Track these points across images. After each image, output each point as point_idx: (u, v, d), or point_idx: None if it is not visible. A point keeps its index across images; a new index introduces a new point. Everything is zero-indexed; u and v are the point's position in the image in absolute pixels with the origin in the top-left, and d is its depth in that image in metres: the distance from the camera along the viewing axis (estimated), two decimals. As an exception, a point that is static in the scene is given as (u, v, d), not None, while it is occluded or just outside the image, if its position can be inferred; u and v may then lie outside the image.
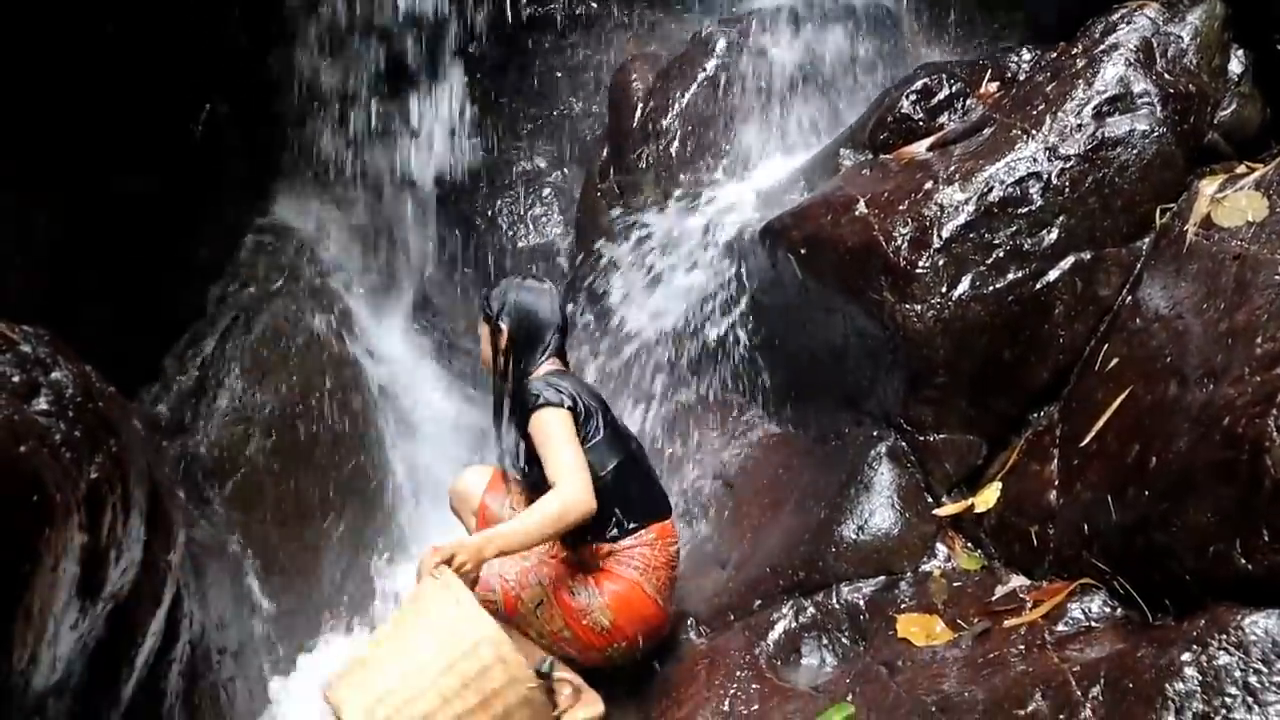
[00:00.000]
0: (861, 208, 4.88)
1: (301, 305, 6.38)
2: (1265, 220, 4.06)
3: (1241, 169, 4.53)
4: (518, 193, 7.65)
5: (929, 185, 4.74)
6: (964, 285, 4.53)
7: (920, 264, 4.58)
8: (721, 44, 6.73)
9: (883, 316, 4.67)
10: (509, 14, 7.62)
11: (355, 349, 6.63)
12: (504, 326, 4.69)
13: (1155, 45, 4.81)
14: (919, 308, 4.56)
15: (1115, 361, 4.31)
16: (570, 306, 6.34)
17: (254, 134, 6.67)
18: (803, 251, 5.09)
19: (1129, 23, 4.92)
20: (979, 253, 4.56)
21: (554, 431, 4.27)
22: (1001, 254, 4.54)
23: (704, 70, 6.66)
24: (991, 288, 4.52)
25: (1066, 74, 4.86)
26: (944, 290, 4.53)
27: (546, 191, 7.65)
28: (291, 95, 6.95)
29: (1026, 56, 5.54)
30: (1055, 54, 5.15)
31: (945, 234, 4.59)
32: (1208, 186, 4.44)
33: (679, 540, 4.65)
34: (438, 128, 7.29)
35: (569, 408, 4.34)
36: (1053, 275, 4.52)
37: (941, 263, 4.56)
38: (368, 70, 7.08)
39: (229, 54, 6.36)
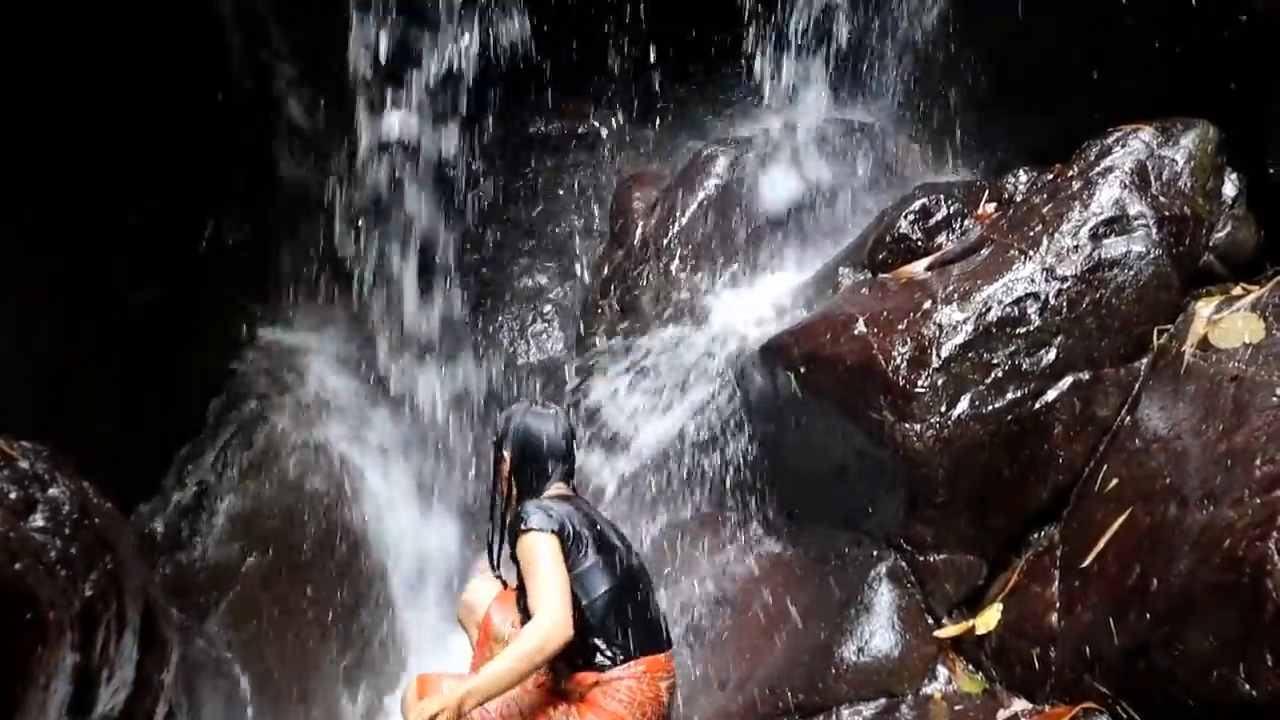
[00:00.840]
0: (861, 326, 4.90)
1: (300, 421, 6.38)
2: (1262, 342, 4.09)
3: (1238, 290, 4.57)
4: (519, 309, 7.67)
5: (928, 305, 4.77)
6: (963, 405, 4.54)
7: (919, 383, 4.59)
8: (722, 164, 6.81)
9: (882, 435, 4.67)
10: (512, 133, 7.72)
11: (354, 466, 6.59)
12: (507, 454, 4.65)
13: (1150, 168, 4.88)
14: (918, 427, 4.56)
15: (1115, 482, 4.30)
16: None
17: (257, 250, 6.72)
18: (802, 370, 5.10)
19: (1124, 146, 4.99)
20: (978, 372, 4.57)
21: (537, 557, 4.18)
22: (1000, 374, 4.56)
23: (704, 190, 6.74)
24: (990, 407, 4.53)
25: (1063, 195, 4.92)
26: (943, 409, 4.54)
27: (548, 308, 7.67)
28: (295, 213, 7.01)
29: (1023, 178, 5.61)
30: (1051, 176, 5.21)
31: (944, 353, 4.60)
32: (1204, 308, 4.47)
33: (674, 676, 4.43)
34: (439, 244, 7.33)
35: (554, 531, 4.22)
36: (1051, 395, 4.53)
37: (940, 382, 4.57)
38: (370, 189, 7.13)
39: (235, 171, 6.42)
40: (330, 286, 7.12)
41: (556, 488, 4.58)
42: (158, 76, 5.51)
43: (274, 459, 6.05)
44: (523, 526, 4.22)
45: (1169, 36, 5.10)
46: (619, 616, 4.25)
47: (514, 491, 4.63)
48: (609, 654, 4.20)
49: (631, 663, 4.21)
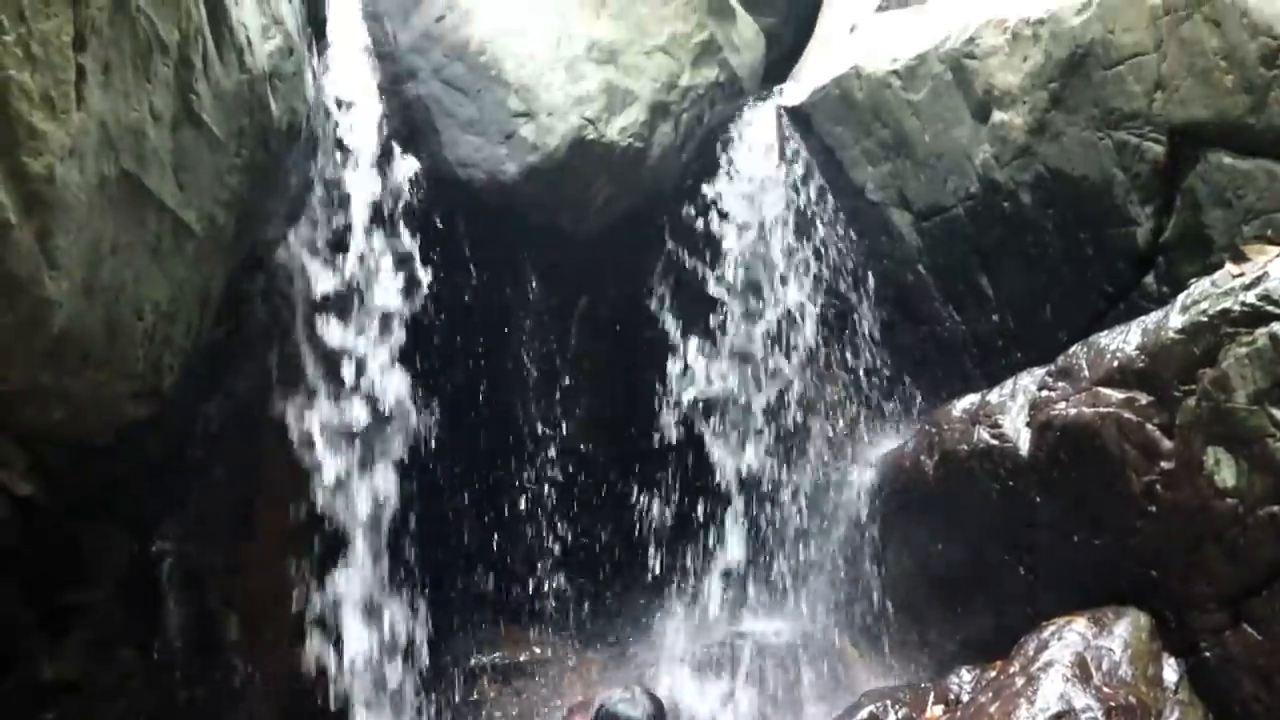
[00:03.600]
0: None
1: None
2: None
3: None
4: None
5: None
6: None
7: None
8: (665, 685, 6.79)
9: None
10: (455, 663, 7.69)
11: None
12: None
13: (1089, 659, 4.91)
14: None
15: None
16: None
17: None
18: None
19: (1060, 639, 5.05)
20: None
21: None
22: None
23: (651, 714, 6.64)
24: None
25: (1008, 693, 4.91)
26: None
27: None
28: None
29: (966, 676, 5.62)
30: (994, 673, 5.22)
31: None
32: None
33: None
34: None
35: None
36: None
37: None
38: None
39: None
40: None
41: None
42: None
43: None
44: None
45: (1087, 532, 5.29)
46: None
47: None
48: None
49: None
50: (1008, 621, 5.55)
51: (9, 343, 3.79)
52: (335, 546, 6.86)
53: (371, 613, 6.99)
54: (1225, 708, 4.86)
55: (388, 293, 7.08)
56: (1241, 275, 4.88)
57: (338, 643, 6.82)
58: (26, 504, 5.04)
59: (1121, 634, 5.00)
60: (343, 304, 6.91)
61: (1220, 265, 5.15)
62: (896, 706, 5.58)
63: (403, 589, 7.23)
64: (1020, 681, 4.93)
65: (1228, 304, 4.80)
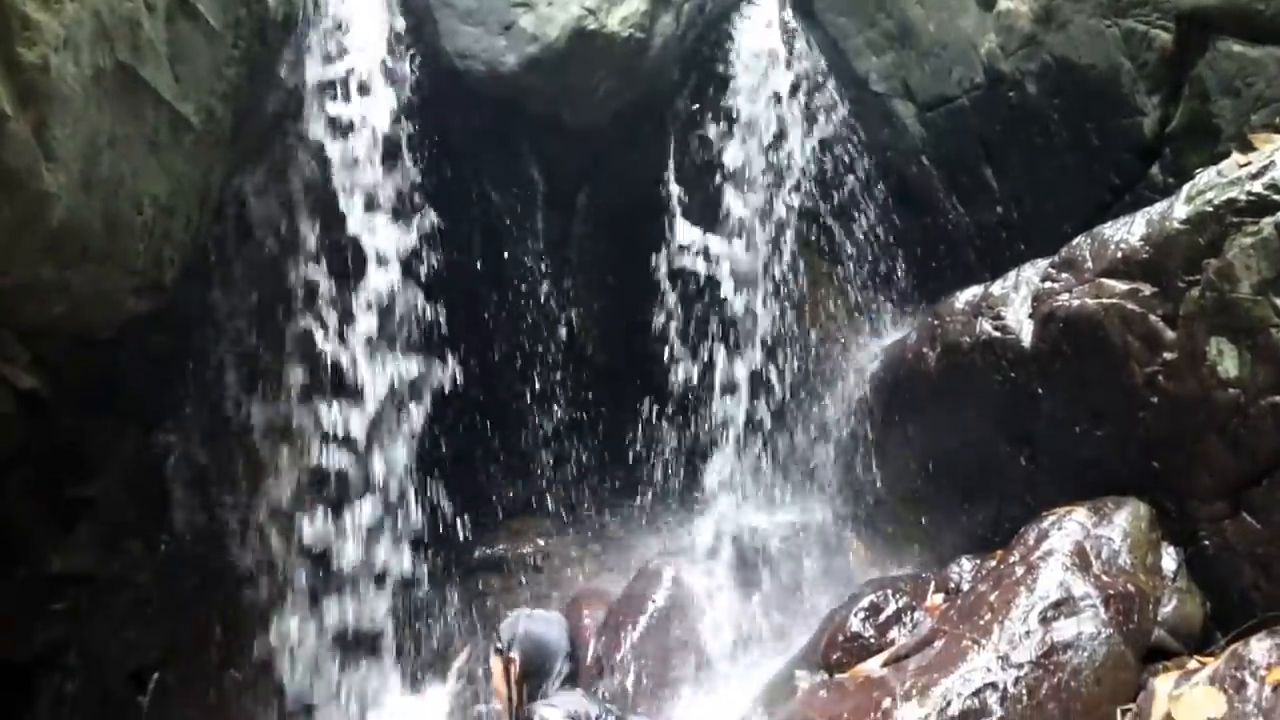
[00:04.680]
0: (823, 731, 4.80)
1: None
2: (1225, 715, 4.04)
3: (1193, 664, 4.55)
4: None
5: (887, 703, 4.68)
6: (934, 807, 4.38)
7: (886, 788, 4.45)
8: (668, 575, 6.83)
9: None
10: (454, 561, 7.75)
11: None
12: (515, 656, 4.73)
13: (1089, 548, 4.94)
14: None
15: None
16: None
17: (203, 701, 6.54)
18: (768, 782, 4.95)
19: (1060, 528, 5.07)
20: (946, 772, 4.45)
21: None
22: (970, 771, 4.44)
23: (653, 602, 6.72)
24: (963, 809, 4.38)
25: (1008, 581, 4.95)
26: (914, 814, 4.38)
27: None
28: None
29: (967, 567, 5.66)
30: (994, 562, 5.26)
31: (910, 755, 4.49)
32: (1163, 684, 4.42)
33: None
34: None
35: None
36: (1026, 794, 4.39)
37: (910, 786, 4.43)
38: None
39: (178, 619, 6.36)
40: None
41: (561, 688, 4.69)
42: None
43: None
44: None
45: (1088, 423, 5.31)
46: None
47: (524, 695, 4.70)
48: None
49: None
50: (1008, 513, 5.58)
51: (9, 236, 3.78)
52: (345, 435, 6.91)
53: (375, 493, 7.08)
54: (1223, 596, 4.91)
55: (385, 190, 7.05)
56: (1248, 164, 4.82)
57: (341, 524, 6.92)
58: (31, 399, 5.06)
59: (1121, 523, 5.03)
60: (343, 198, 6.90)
61: (1227, 155, 5.08)
62: (897, 595, 5.64)
63: (408, 477, 7.30)
64: (1020, 570, 4.97)
65: (1234, 193, 4.75)
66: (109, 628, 5.86)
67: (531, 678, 4.73)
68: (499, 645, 4.89)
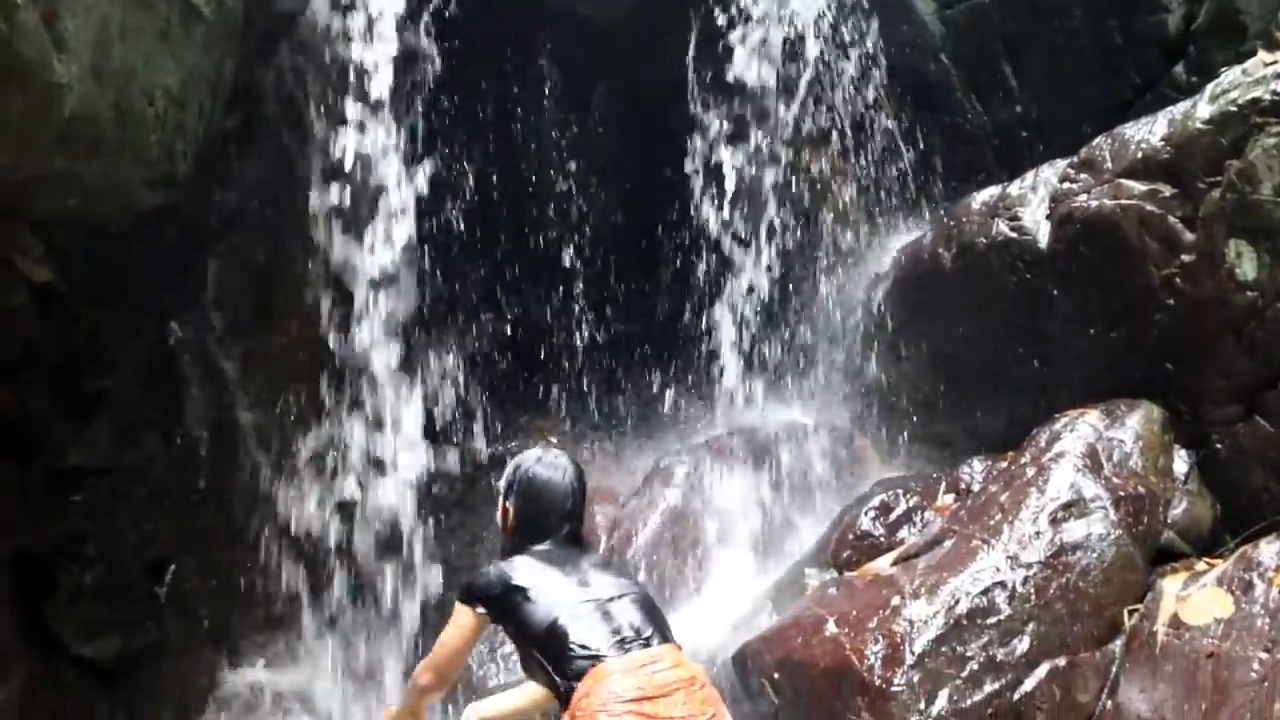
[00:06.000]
0: (832, 627, 4.82)
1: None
2: (1233, 617, 4.07)
3: (1201, 565, 4.58)
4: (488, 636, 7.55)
5: (896, 601, 4.72)
6: (941, 701, 4.42)
7: (895, 681, 4.48)
8: (680, 474, 6.87)
9: (862, 738, 4.54)
10: (463, 463, 7.78)
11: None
12: (510, 506, 4.23)
13: (1100, 450, 4.95)
14: (899, 726, 4.44)
15: (1104, 772, 4.19)
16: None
17: (218, 596, 6.62)
18: (776, 675, 4.99)
19: (1072, 430, 5.08)
20: (953, 666, 4.48)
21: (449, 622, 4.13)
22: (976, 666, 4.47)
23: (665, 500, 6.76)
24: (970, 701, 4.41)
25: (1019, 483, 4.97)
26: (922, 707, 4.42)
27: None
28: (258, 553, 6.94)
29: (978, 467, 5.68)
30: (1005, 463, 5.28)
31: (917, 649, 4.52)
32: (1171, 585, 4.46)
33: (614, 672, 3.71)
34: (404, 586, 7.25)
35: (475, 599, 4.02)
36: (1029, 684, 4.43)
37: (916, 679, 4.47)
38: (335, 521, 7.11)
39: (195, 511, 6.41)
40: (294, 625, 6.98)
41: (548, 545, 4.14)
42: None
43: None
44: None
45: (1103, 325, 5.29)
46: (562, 650, 3.80)
47: (509, 544, 4.24)
48: (566, 685, 3.85)
49: (578, 684, 3.72)
50: (1021, 414, 5.58)
51: (20, 128, 3.75)
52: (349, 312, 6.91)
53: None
54: (1233, 498, 4.93)
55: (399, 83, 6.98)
56: (1274, 63, 4.75)
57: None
58: (45, 292, 5.06)
59: (1133, 425, 5.04)
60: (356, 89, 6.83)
61: (1253, 53, 5.01)
62: (908, 495, 5.67)
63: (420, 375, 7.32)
64: (1031, 471, 4.99)
65: (1258, 93, 4.69)
66: (127, 519, 5.91)
67: (522, 531, 4.20)
68: (499, 487, 4.36)
